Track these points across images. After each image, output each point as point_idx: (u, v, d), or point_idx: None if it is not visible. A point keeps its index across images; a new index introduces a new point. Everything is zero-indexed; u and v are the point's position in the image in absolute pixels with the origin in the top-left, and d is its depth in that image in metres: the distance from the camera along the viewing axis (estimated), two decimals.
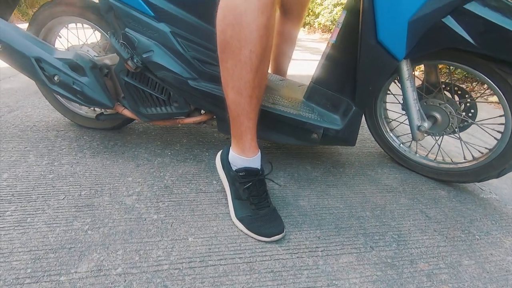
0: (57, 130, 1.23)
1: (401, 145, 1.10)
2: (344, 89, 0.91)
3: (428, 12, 0.68)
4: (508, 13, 0.67)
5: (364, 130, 1.41)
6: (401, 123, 1.07)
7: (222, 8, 0.59)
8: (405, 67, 0.84)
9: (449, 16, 0.70)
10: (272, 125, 0.92)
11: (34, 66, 0.93)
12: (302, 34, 6.21)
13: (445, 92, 0.92)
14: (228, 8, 0.58)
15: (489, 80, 0.77)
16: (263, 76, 0.65)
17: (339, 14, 4.87)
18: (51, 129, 1.23)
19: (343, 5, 4.81)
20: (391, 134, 1.10)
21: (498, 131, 0.85)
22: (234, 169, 0.75)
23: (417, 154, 1.07)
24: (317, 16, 5.51)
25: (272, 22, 0.59)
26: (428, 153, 1.06)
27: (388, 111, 1.09)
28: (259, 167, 0.74)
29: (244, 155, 0.73)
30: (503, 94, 0.76)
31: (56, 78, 0.93)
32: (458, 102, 0.90)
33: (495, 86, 0.76)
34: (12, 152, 1.04)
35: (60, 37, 1.16)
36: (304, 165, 1.08)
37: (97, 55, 1.07)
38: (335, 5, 4.91)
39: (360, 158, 1.17)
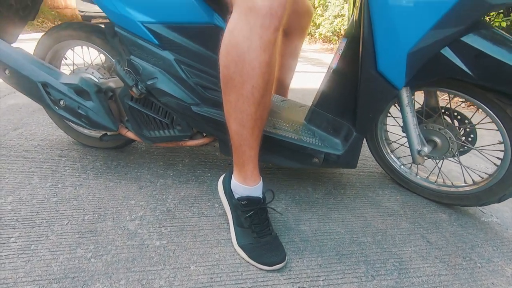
0: (61, 149, 1.24)
1: (402, 166, 1.11)
2: (345, 114, 0.93)
3: (426, 45, 0.70)
4: (504, 45, 0.68)
5: (365, 148, 1.41)
6: (401, 145, 1.08)
7: (226, 45, 0.61)
8: (404, 93, 0.85)
9: (447, 47, 0.71)
10: (273, 149, 0.93)
11: (40, 91, 0.95)
12: (304, 44, 6.27)
13: (445, 117, 0.93)
14: (231, 45, 0.60)
15: (488, 109, 0.78)
16: (265, 108, 0.66)
17: (339, 25, 4.92)
18: (55, 148, 1.25)
19: (343, 17, 4.87)
20: (391, 156, 1.11)
21: (498, 158, 0.86)
22: (236, 197, 0.76)
23: (418, 176, 1.07)
24: (318, 26, 5.57)
25: (274, 59, 0.61)
26: (428, 175, 1.06)
27: (388, 133, 1.10)
28: (260, 196, 0.75)
29: (246, 184, 0.74)
30: (502, 124, 0.77)
31: (61, 102, 0.95)
32: (457, 127, 0.91)
33: (494, 115, 0.77)
34: (16, 174, 1.05)
35: (66, 58, 1.19)
36: (305, 186, 1.09)
37: (101, 76, 1.09)
38: (335, 17, 4.97)
39: (361, 179, 1.18)
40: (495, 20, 2.08)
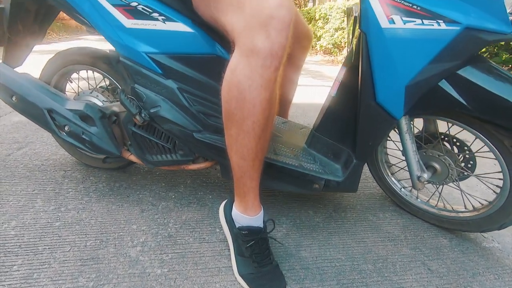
0: (64, 170, 1.26)
1: (402, 189, 1.11)
2: (345, 140, 0.94)
3: (424, 78, 0.71)
4: (500, 79, 0.70)
5: (366, 168, 1.42)
6: (401, 168, 1.09)
7: (227, 82, 0.63)
8: (403, 121, 0.87)
9: (444, 80, 0.73)
10: (274, 175, 0.94)
11: (46, 117, 0.96)
12: None
13: (445, 143, 0.94)
14: (232, 83, 0.61)
15: (486, 140, 0.79)
16: (266, 141, 0.68)
17: (340, 37, 4.98)
18: (58, 168, 1.26)
19: (344, 30, 4.93)
20: (392, 178, 1.12)
21: (497, 186, 0.86)
22: (237, 226, 0.77)
23: (419, 199, 1.08)
24: (319, 38, 5.64)
25: (274, 95, 0.62)
26: (429, 199, 1.07)
27: (388, 155, 1.11)
28: (261, 225, 0.76)
29: (247, 214, 0.74)
30: (500, 154, 0.78)
31: (66, 128, 0.97)
32: (457, 154, 0.92)
33: (492, 146, 0.78)
34: (20, 196, 1.06)
35: (71, 82, 1.21)
36: (306, 209, 1.10)
37: (106, 100, 1.12)
38: (336, 29, 5.03)
39: (362, 200, 1.18)
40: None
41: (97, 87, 1.18)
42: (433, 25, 0.65)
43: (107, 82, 1.20)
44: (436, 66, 0.69)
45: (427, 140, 0.98)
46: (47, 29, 1.19)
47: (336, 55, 5.27)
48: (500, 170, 0.82)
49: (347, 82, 0.89)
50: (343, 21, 4.88)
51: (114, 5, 0.81)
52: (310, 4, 9.10)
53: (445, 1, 0.65)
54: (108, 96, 1.14)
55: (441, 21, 0.65)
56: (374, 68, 0.73)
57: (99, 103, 1.10)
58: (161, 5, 0.81)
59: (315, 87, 3.29)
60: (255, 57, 0.57)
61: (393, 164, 1.12)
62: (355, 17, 0.86)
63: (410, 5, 0.65)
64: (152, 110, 0.88)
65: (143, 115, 0.88)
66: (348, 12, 0.98)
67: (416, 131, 1.02)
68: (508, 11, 0.69)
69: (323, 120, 0.98)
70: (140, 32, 0.83)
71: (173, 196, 1.12)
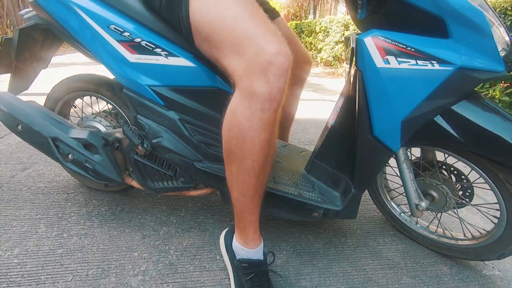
0: (67, 192, 1.27)
1: (402, 214, 1.12)
2: (343, 168, 0.95)
3: (419, 114, 0.73)
4: (493, 116, 0.72)
5: (366, 191, 1.43)
6: (400, 194, 1.10)
7: (228, 122, 0.65)
8: (401, 151, 0.88)
9: (439, 116, 0.74)
10: (274, 204, 0.95)
11: (51, 146, 0.99)
12: None
13: (443, 171, 0.95)
14: (233, 123, 0.63)
15: (482, 172, 0.80)
16: (265, 177, 0.69)
17: (340, 50, 5.03)
18: (61, 191, 1.28)
19: (343, 42, 4.98)
20: (391, 203, 1.13)
21: (495, 216, 0.87)
22: (237, 258, 0.78)
23: (418, 225, 1.08)
24: (319, 51, 5.70)
25: (274, 135, 0.64)
26: (429, 224, 1.07)
27: (388, 181, 1.12)
28: (261, 258, 0.77)
29: (247, 247, 0.75)
30: (496, 187, 0.79)
31: (70, 156, 0.99)
32: (454, 183, 0.93)
33: (488, 178, 0.79)
34: (23, 221, 1.08)
35: (75, 107, 1.24)
36: (306, 234, 1.10)
37: (109, 124, 1.14)
38: (336, 43, 5.09)
39: (362, 224, 1.18)
40: None
41: (100, 111, 1.20)
42: (427, 65, 0.67)
43: (110, 107, 1.23)
44: (431, 103, 0.71)
45: (425, 168, 0.99)
46: (53, 55, 1.23)
47: (337, 67, 5.32)
48: (496, 201, 0.82)
49: (345, 112, 0.91)
50: (343, 34, 4.94)
51: (118, 41, 0.84)
52: (311, 17, 9.23)
53: (438, 42, 0.67)
54: (111, 120, 1.17)
55: (435, 62, 0.67)
56: (370, 103, 0.75)
57: (102, 128, 1.12)
58: (164, 41, 0.83)
59: (316, 101, 3.32)
60: (255, 100, 0.59)
61: (392, 189, 1.13)
62: (352, 48, 0.88)
63: (404, 46, 0.67)
64: (154, 141, 0.90)
65: (145, 145, 0.90)
66: (346, 41, 1.01)
67: (413, 157, 1.03)
68: (499, 49, 0.71)
69: (322, 147, 0.99)
70: (143, 66, 0.85)
71: (174, 221, 1.13)
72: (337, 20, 5.15)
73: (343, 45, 4.98)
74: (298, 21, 7.50)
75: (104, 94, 1.10)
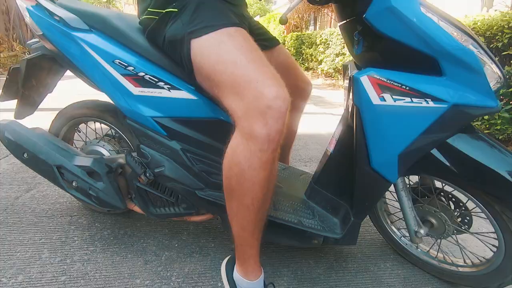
0: (70, 215, 1.29)
1: (402, 238, 1.12)
2: (342, 195, 0.96)
3: (415, 148, 0.75)
4: (488, 150, 0.73)
5: None
6: (400, 218, 1.10)
7: (228, 160, 0.67)
8: (399, 180, 0.89)
9: (435, 149, 0.76)
10: (274, 231, 0.96)
11: (55, 173, 1.01)
12: None
13: (441, 198, 0.96)
14: (233, 161, 0.65)
15: (478, 203, 0.81)
16: (265, 212, 0.71)
17: (341, 63, 5.09)
18: (65, 213, 1.29)
19: (344, 55, 5.04)
20: (392, 227, 1.13)
21: (493, 245, 0.87)
22: None
23: (419, 249, 1.08)
24: (319, 62, 5.76)
25: (273, 173, 0.66)
26: (429, 249, 1.08)
27: (388, 205, 1.13)
28: None
29: (248, 279, 0.76)
30: (493, 218, 0.80)
31: (74, 183, 1.01)
32: (453, 210, 0.94)
33: (485, 209, 0.80)
34: (27, 246, 1.09)
35: (79, 131, 1.27)
36: (307, 259, 1.11)
37: (112, 149, 1.16)
38: (337, 55, 5.15)
39: (362, 248, 1.19)
40: None
41: (104, 136, 1.23)
42: (421, 103, 0.69)
43: (114, 131, 1.25)
44: (426, 137, 0.73)
45: (423, 194, 1.00)
46: (59, 80, 1.26)
47: (337, 79, 5.36)
48: (494, 230, 0.83)
49: (344, 140, 0.93)
50: (343, 47, 5.00)
51: (123, 75, 0.87)
52: (311, 28, 9.36)
53: (432, 80, 0.69)
54: (114, 144, 1.19)
55: (429, 100, 0.69)
56: (367, 137, 0.77)
57: (106, 153, 1.15)
58: (167, 75, 0.86)
59: (317, 115, 3.34)
60: (254, 141, 0.61)
61: (392, 213, 1.13)
62: (350, 78, 0.91)
63: (400, 85, 0.69)
64: (156, 170, 0.92)
65: (147, 174, 0.92)
66: (344, 69, 1.03)
67: (412, 182, 1.04)
68: (492, 84, 0.73)
69: (321, 174, 1.01)
70: (146, 98, 0.88)
71: (176, 245, 1.14)
72: (337, 33, 5.22)
73: (343, 57, 5.04)
74: (299, 33, 7.59)
75: (108, 120, 1.13)
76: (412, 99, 0.69)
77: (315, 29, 9.16)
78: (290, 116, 1.29)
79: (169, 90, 0.86)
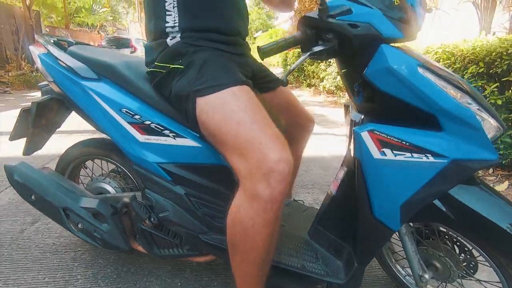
0: (74, 250, 1.29)
1: (407, 277, 1.11)
2: (345, 238, 0.97)
3: (417, 199, 0.75)
4: (489, 202, 0.74)
5: None
6: (404, 257, 1.09)
7: (232, 217, 0.68)
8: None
9: (437, 199, 0.77)
10: (278, 275, 0.96)
11: (62, 216, 1.02)
12: (308, 96, 6.51)
13: (446, 241, 0.96)
14: (237, 219, 0.66)
15: (483, 253, 0.80)
16: (268, 266, 0.71)
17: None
18: (69, 249, 1.30)
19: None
20: (396, 265, 1.12)
21: None
22: None
23: None
24: (321, 80, 5.83)
25: (276, 230, 0.67)
26: None
27: (392, 243, 1.13)
28: None
29: None
30: (498, 270, 0.79)
31: (79, 225, 1.02)
32: (457, 255, 0.93)
33: (489, 259, 0.80)
34: (31, 285, 1.10)
35: (86, 168, 1.29)
36: None
37: (117, 186, 1.18)
38: (338, 73, 5.21)
39: (367, 286, 1.18)
40: (491, 97, 2.17)
41: (109, 172, 1.25)
42: (422, 158, 0.70)
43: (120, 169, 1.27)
44: (428, 190, 0.73)
45: (427, 236, 0.99)
46: (67, 117, 1.29)
47: (339, 96, 5.41)
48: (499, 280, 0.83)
49: (346, 183, 0.93)
50: None
51: (129, 123, 0.90)
52: None
53: (431, 135, 0.71)
54: (120, 180, 1.21)
55: (429, 155, 0.70)
56: (369, 189, 0.78)
57: (111, 190, 1.16)
58: (172, 123, 0.88)
59: (320, 136, 3.34)
60: (257, 202, 0.63)
61: (396, 252, 1.13)
62: (351, 121, 0.93)
63: (400, 141, 0.71)
64: (161, 215, 0.93)
65: (152, 219, 0.93)
66: (345, 109, 1.05)
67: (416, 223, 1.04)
68: (491, 135, 0.74)
69: (324, 215, 1.01)
70: (152, 145, 0.90)
71: (179, 284, 1.14)
72: None
73: None
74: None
75: (114, 159, 1.15)
76: (413, 154, 0.71)
77: None
78: (292, 151, 1.31)
79: (174, 138, 0.88)
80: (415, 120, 0.72)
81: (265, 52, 0.70)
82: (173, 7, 0.80)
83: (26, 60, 7.92)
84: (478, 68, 2.25)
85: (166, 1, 0.80)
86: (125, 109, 0.89)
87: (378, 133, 0.72)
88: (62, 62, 0.97)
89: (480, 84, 2.26)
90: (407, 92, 0.68)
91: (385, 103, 0.74)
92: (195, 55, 0.77)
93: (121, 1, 21.63)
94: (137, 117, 0.88)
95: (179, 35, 0.80)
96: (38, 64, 1.05)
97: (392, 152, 0.72)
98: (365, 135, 0.72)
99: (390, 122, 0.74)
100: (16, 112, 1.15)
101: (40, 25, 9.70)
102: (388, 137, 0.71)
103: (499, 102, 2.15)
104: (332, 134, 3.45)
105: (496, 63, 2.18)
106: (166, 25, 0.81)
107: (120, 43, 11.32)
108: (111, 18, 18.13)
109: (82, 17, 15.73)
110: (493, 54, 2.19)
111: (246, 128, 0.65)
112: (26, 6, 8.57)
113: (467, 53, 2.36)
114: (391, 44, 0.72)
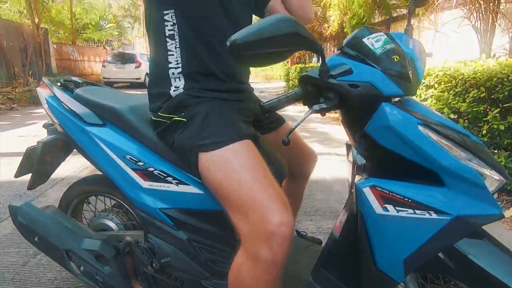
0: (76, 285, 1.28)
1: None
2: (349, 283, 0.95)
3: (420, 253, 0.74)
4: (497, 258, 0.73)
5: None
6: None
7: (233, 276, 0.68)
8: None
9: (442, 252, 0.76)
10: None
11: (64, 258, 1.02)
12: None
13: (451, 287, 0.94)
14: (238, 279, 0.66)
15: None
16: None
17: None
18: (70, 284, 1.30)
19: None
20: None
21: None
22: None
23: None
24: None
25: (278, 286, 0.66)
26: None
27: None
28: None
29: None
30: None
31: (82, 268, 1.02)
32: None
33: None
34: None
35: (89, 203, 1.30)
36: None
37: (120, 222, 1.18)
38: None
39: None
40: (493, 122, 2.17)
41: (112, 207, 1.25)
42: (424, 214, 0.70)
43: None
44: (431, 245, 0.73)
45: (432, 280, 0.98)
46: (71, 152, 1.30)
47: None
48: None
49: (349, 228, 0.93)
50: None
51: (133, 169, 0.91)
52: (314, 59, 9.63)
53: (434, 191, 0.71)
54: (122, 216, 1.21)
55: (432, 212, 0.70)
56: (371, 242, 0.77)
57: (114, 226, 1.17)
58: (175, 170, 0.89)
59: (323, 156, 3.33)
60: (259, 264, 0.63)
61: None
62: (353, 160, 0.93)
63: (402, 197, 0.71)
64: (163, 260, 0.93)
65: (154, 265, 0.93)
66: (347, 149, 1.06)
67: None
68: (494, 187, 0.74)
69: (327, 257, 1.00)
70: (155, 192, 0.91)
71: None
72: None
73: None
74: (303, 65, 7.81)
75: (117, 196, 1.16)
76: (415, 210, 0.70)
77: (318, 61, 9.42)
78: (295, 186, 1.31)
79: (177, 185, 0.89)
80: (418, 175, 0.72)
81: (267, 109, 0.72)
82: (175, 47, 0.81)
83: (33, 77, 8.08)
84: (479, 93, 2.26)
85: (168, 42, 0.81)
86: (129, 156, 0.90)
87: (380, 189, 0.72)
88: (67, 106, 0.99)
89: (482, 108, 2.27)
90: (408, 150, 0.69)
91: (387, 157, 0.75)
92: (198, 107, 0.78)
93: (127, 17, 22.18)
94: (140, 163, 0.89)
95: (182, 85, 0.82)
96: (45, 106, 1.07)
97: (395, 208, 0.71)
98: (367, 191, 0.73)
99: (392, 176, 0.74)
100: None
101: (48, 41, 9.93)
102: (390, 193, 0.71)
103: (502, 127, 2.15)
104: (335, 154, 3.44)
105: (497, 89, 2.18)
106: (169, 65, 0.82)
107: (125, 58, 11.48)
108: (117, 33, 18.53)
109: (89, 33, 16.10)
110: (494, 79, 2.20)
111: (247, 187, 0.66)
112: (35, 24, 8.81)
113: (468, 77, 2.37)
114: (393, 100, 0.73)
